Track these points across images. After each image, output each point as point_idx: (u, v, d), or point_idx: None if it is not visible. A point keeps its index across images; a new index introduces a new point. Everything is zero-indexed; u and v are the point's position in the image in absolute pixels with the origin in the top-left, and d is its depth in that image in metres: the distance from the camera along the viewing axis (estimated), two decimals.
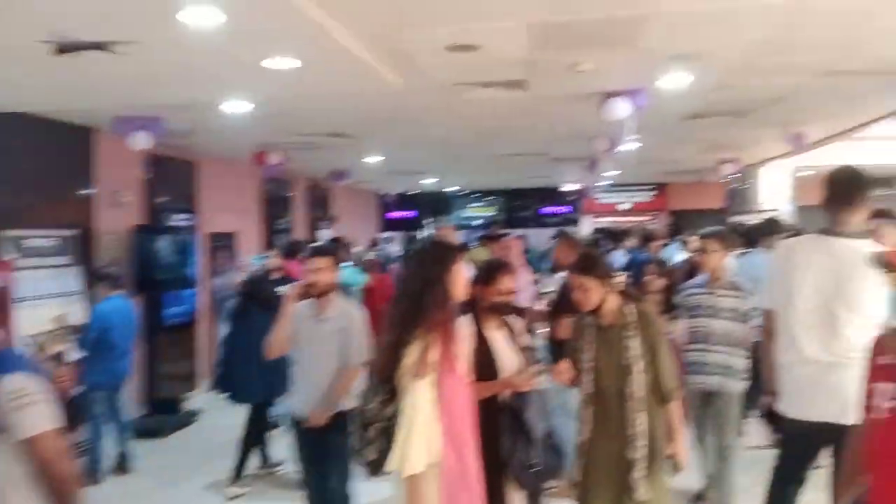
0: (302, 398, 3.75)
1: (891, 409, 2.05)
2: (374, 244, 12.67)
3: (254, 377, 5.00)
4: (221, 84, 4.91)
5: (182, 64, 4.26)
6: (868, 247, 2.72)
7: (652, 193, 16.94)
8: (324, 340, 3.64)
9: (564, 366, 3.00)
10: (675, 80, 5.19)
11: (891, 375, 2.07)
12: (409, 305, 2.52)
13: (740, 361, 4.10)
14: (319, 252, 3.78)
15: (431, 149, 9.16)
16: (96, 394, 5.56)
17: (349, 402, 3.59)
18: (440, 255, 2.64)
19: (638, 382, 2.95)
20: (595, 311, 3.07)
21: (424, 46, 4.19)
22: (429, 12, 3.56)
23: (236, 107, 5.74)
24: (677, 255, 8.57)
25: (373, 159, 9.99)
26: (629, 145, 6.02)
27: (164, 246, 7.57)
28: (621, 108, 5.41)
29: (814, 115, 7.05)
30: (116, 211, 7.11)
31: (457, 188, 17.19)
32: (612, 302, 3.07)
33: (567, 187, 15.37)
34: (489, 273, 3.09)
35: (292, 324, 3.67)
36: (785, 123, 7.46)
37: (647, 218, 17.06)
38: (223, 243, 9.51)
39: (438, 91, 5.43)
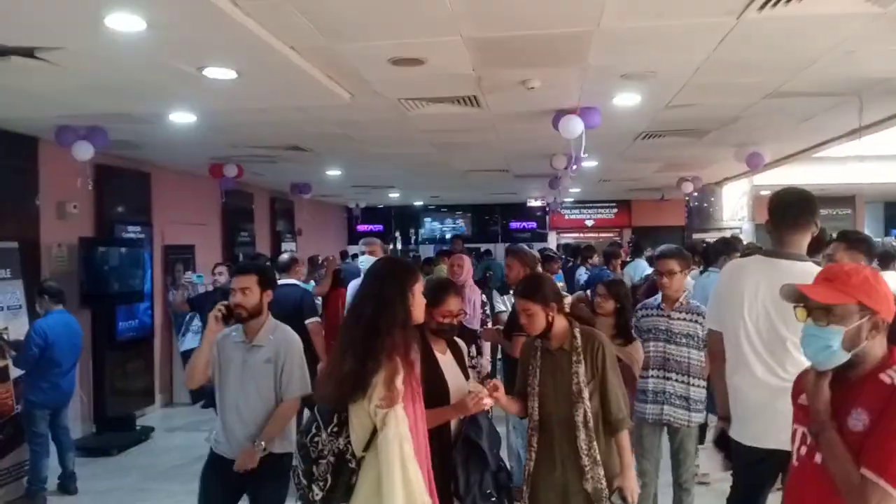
0: (228, 436, 3.22)
1: (798, 458, 1.90)
2: (343, 257, 12.52)
3: None
4: (160, 94, 4.79)
5: (118, 72, 4.14)
6: (812, 268, 2.66)
7: (615, 210, 17.07)
8: (254, 371, 3.20)
9: (495, 383, 2.78)
10: (625, 99, 5.19)
11: (802, 418, 1.91)
12: (365, 329, 2.29)
13: (700, 392, 3.86)
14: (243, 270, 3.32)
15: (390, 163, 9.10)
16: (38, 412, 5.36)
17: (284, 444, 3.22)
18: (398, 275, 2.41)
19: (584, 410, 2.80)
20: (543, 335, 2.93)
21: (367, 59, 4.13)
22: (365, 24, 3.49)
23: (181, 118, 5.62)
24: (641, 272, 8.55)
25: (333, 173, 9.89)
26: (586, 163, 5.99)
27: (115, 259, 7.36)
28: (574, 126, 5.38)
29: (767, 136, 7.12)
30: (63, 223, 6.90)
31: (423, 203, 17.16)
32: (560, 325, 2.92)
33: (533, 203, 15.43)
34: (435, 294, 2.87)
35: (217, 351, 3.26)
36: (740, 143, 7.52)
37: (610, 234, 17.21)
38: (181, 256, 9.31)
39: (388, 105, 5.36)
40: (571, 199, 15.40)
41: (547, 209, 15.87)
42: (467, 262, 5.51)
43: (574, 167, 8.10)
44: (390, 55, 3.98)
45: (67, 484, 5.56)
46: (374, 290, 2.38)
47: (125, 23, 3.08)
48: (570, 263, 10.24)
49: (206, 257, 9.84)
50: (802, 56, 4.30)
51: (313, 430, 2.36)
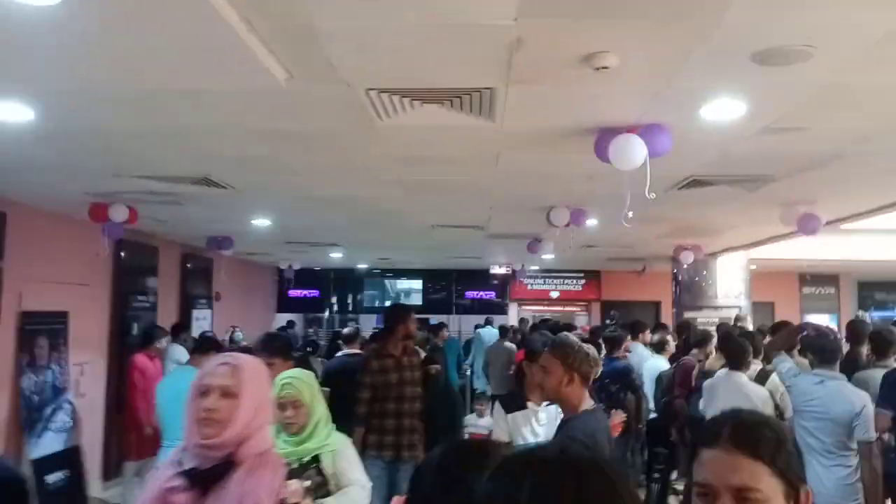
0: None
1: None
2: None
3: None
4: None
5: None
6: None
7: (582, 282, 15.33)
8: None
9: None
10: (721, 110, 3.34)
11: None
12: None
13: None
14: None
15: (338, 211, 7.00)
16: None
17: None
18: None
19: None
20: None
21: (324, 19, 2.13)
22: None
23: (12, 112, 3.45)
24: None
25: (261, 222, 7.73)
26: (626, 217, 4.10)
27: None
28: (633, 151, 3.48)
29: (837, 190, 5.43)
30: None
31: (368, 265, 15.01)
32: None
33: (496, 270, 13.49)
34: None
35: None
36: (796, 200, 5.82)
37: (576, 308, 15.45)
38: (47, 326, 6.86)
39: (347, 103, 3.35)
40: (537, 268, 13.59)
41: (509, 278, 13.99)
42: None
43: (579, 223, 6.24)
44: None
45: None
46: None
47: None
48: None
49: (87, 328, 7.42)
50: None
51: None
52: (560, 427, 2.82)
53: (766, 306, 13.42)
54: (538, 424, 3.71)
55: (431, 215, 7.00)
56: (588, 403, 2.83)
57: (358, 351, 6.29)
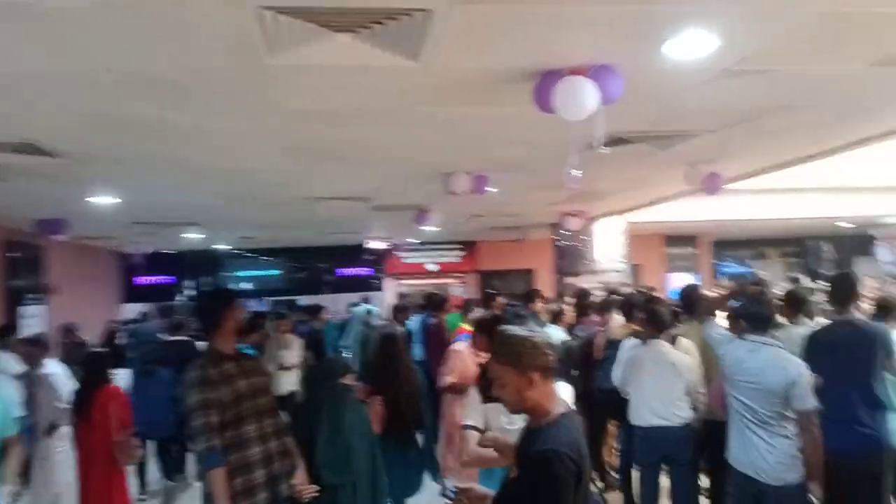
0: None
1: None
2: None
3: None
4: None
5: None
6: None
7: (461, 254, 14.97)
8: None
9: None
10: (688, 47, 2.86)
11: None
12: None
13: None
14: None
15: (204, 185, 5.98)
16: None
17: None
18: None
19: None
20: None
21: None
22: None
23: None
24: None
25: (102, 200, 6.49)
26: (573, 177, 3.58)
27: None
28: (582, 97, 2.94)
29: (745, 147, 5.28)
30: None
31: (230, 245, 13.71)
32: None
33: (374, 245, 12.70)
34: None
35: None
36: (701, 159, 5.62)
37: (454, 280, 15.11)
38: None
39: (232, 27, 2.52)
40: (415, 241, 13.01)
41: (386, 252, 13.30)
42: None
43: (481, 190, 5.70)
44: None
45: None
46: None
47: None
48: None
49: None
50: None
51: None
52: (531, 435, 2.24)
53: (634, 269, 13.78)
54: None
55: (317, 186, 6.14)
56: (559, 402, 2.28)
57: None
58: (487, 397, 2.93)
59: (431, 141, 4.44)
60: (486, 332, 4.94)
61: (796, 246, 18.39)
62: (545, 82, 3.09)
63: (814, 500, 3.40)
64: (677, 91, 3.52)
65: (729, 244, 17.90)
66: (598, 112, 2.98)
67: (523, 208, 8.49)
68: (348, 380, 3.44)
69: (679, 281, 15.01)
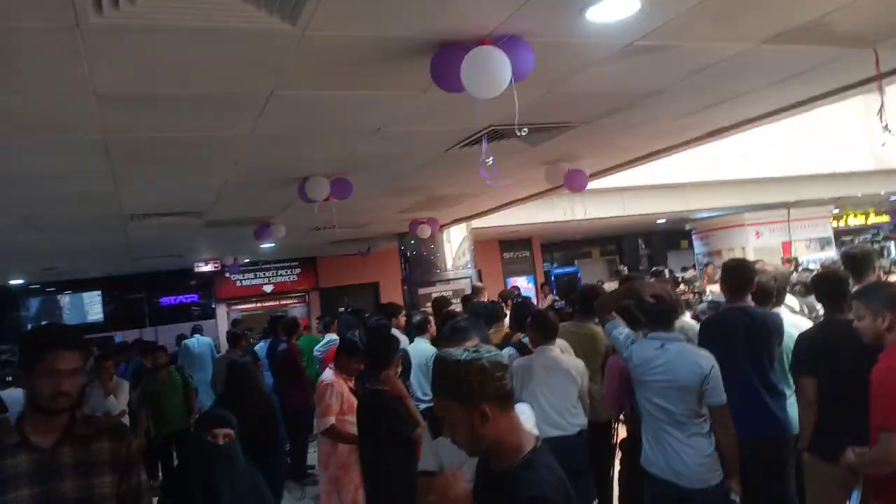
0: None
1: None
2: None
3: None
4: None
5: None
6: None
7: (297, 271, 14.04)
8: None
9: None
10: (607, 9, 2.54)
11: None
12: None
13: None
14: None
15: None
16: None
17: None
18: None
19: None
20: None
21: None
22: None
23: None
24: None
25: None
26: (489, 165, 3.16)
27: None
28: (498, 70, 2.52)
29: (605, 144, 5.20)
30: None
31: (24, 280, 11.71)
32: None
33: (202, 268, 11.40)
34: None
35: None
36: (566, 156, 5.48)
37: (293, 301, 14.16)
38: None
39: None
40: (248, 260, 11.92)
41: (215, 275, 12.02)
42: None
43: (343, 195, 5.12)
44: None
45: None
46: None
47: None
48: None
49: None
50: None
51: None
52: (500, 480, 1.75)
53: (479, 274, 13.78)
54: None
55: (139, 199, 5.13)
56: (526, 435, 1.82)
57: None
58: (436, 433, 2.39)
59: (288, 134, 3.78)
60: (346, 353, 4.46)
61: (615, 244, 19.63)
62: (444, 55, 2.63)
63: (736, 499, 3.25)
64: (575, 69, 3.21)
65: (556, 246, 18.65)
66: (510, 88, 2.56)
67: (374, 216, 7.95)
68: (219, 433, 2.61)
69: (518, 284, 15.37)
